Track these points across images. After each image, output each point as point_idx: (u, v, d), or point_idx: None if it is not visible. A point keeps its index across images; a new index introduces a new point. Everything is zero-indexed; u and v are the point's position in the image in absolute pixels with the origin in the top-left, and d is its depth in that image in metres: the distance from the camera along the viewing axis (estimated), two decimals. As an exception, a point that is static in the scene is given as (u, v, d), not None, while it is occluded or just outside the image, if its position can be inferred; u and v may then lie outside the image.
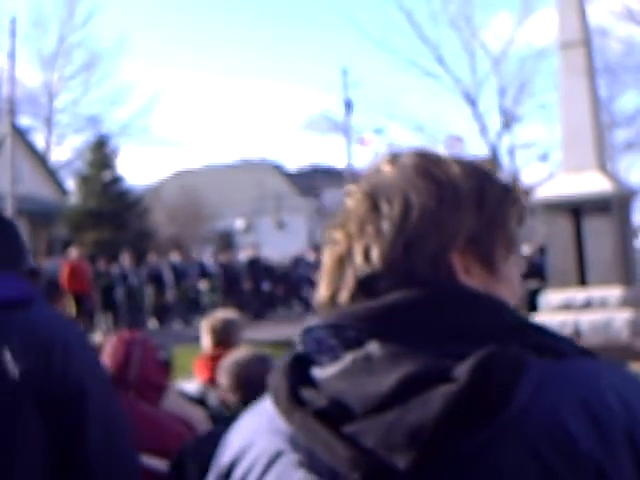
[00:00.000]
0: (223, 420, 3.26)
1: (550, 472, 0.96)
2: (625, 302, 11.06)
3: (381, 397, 1.00)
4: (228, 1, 76.27)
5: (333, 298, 1.14)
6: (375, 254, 1.11)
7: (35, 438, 2.00)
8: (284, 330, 13.51)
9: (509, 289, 1.17)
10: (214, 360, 4.31)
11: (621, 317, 10.89)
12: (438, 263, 1.10)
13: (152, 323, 21.05)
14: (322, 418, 1.02)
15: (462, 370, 0.98)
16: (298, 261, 26.30)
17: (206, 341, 4.89)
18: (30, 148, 32.50)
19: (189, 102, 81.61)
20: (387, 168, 1.18)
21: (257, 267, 23.53)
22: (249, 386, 3.27)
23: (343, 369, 1.06)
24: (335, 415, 1.02)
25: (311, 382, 1.08)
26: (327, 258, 1.18)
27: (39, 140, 37.23)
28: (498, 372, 0.98)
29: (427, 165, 1.16)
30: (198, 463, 2.98)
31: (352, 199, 1.18)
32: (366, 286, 1.10)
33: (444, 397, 0.96)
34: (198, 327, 5.60)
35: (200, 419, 3.70)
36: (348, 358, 1.06)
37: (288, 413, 1.07)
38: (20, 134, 30.36)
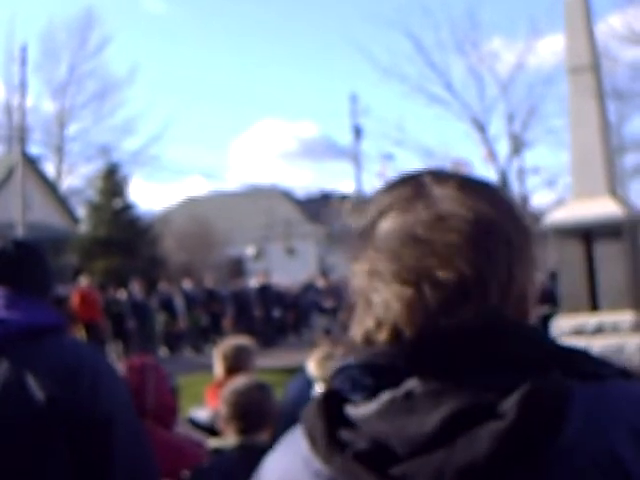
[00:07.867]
0: (224, 452, 3.25)
1: None
2: (637, 327, 10.98)
3: (425, 437, 0.96)
4: (236, 31, 76.86)
5: (368, 336, 1.07)
6: None
7: (62, 463, 1.99)
8: (295, 357, 13.47)
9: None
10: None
11: (633, 342, 10.81)
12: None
13: (163, 351, 21.02)
14: (364, 461, 0.97)
15: (508, 405, 0.95)
16: (308, 287, 26.26)
17: (218, 368, 4.87)
18: (41, 176, 32.65)
19: (198, 129, 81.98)
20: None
21: (268, 294, 23.50)
22: (248, 415, 3.26)
23: (382, 408, 1.01)
24: (378, 457, 0.97)
25: (347, 422, 1.03)
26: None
27: (50, 168, 37.53)
28: (545, 406, 0.95)
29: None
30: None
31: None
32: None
33: (492, 435, 0.93)
34: (209, 355, 5.58)
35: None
36: (386, 396, 1.01)
37: (327, 456, 1.01)
38: (31, 162, 30.54)
